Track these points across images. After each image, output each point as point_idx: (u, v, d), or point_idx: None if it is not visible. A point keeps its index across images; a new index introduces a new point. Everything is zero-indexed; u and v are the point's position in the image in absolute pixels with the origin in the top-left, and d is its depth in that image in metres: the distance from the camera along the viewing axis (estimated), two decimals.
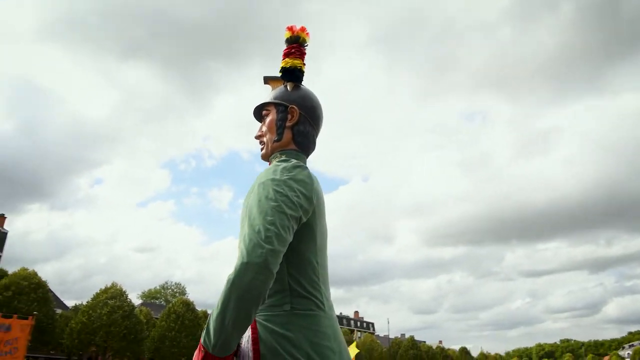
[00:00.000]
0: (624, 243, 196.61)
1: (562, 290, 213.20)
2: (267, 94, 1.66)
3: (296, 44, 1.58)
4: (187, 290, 68.93)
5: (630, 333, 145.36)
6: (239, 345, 1.24)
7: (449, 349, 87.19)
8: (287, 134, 1.52)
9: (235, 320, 1.08)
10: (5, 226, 46.93)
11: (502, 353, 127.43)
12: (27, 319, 11.64)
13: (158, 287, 70.95)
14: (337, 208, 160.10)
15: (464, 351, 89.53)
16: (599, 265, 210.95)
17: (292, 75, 1.57)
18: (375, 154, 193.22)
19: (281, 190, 1.23)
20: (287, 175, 1.28)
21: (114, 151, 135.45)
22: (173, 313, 39.12)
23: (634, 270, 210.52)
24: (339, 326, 1.34)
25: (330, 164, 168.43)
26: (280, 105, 1.55)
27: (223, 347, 1.10)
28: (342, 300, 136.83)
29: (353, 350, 11.20)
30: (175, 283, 68.60)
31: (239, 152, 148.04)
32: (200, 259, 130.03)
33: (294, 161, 1.37)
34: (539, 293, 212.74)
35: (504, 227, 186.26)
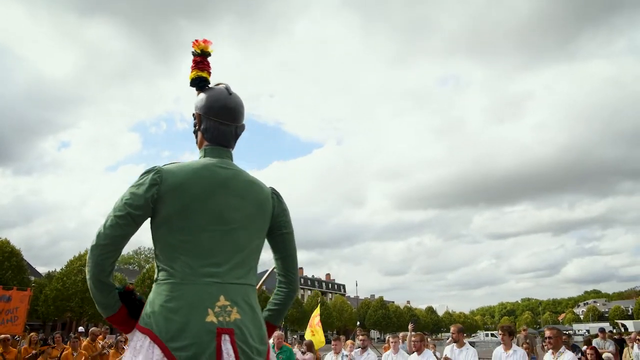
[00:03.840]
0: (586, 207, 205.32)
1: (526, 252, 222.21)
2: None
3: (201, 56, 1.93)
4: None
5: (586, 292, 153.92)
6: None
7: (416, 309, 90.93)
8: (199, 136, 1.91)
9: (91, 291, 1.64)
10: None
11: (467, 312, 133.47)
12: (25, 290, 12.45)
13: (131, 253, 71.16)
14: (311, 172, 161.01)
15: (430, 310, 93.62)
16: (561, 228, 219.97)
17: (198, 84, 1.92)
18: (350, 118, 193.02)
19: (122, 195, 1.68)
20: (133, 183, 1.70)
21: (80, 114, 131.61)
22: (148, 279, 39.78)
23: (594, 233, 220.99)
24: (197, 291, 1.59)
25: (305, 127, 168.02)
26: (193, 116, 1.95)
27: (101, 310, 1.68)
28: (314, 263, 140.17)
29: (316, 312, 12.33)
30: (148, 248, 68.84)
31: None
32: None
33: (157, 167, 1.72)
34: (503, 255, 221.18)
35: (472, 191, 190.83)
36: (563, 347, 5.68)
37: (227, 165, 1.81)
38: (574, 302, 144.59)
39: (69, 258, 36.40)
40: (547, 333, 5.81)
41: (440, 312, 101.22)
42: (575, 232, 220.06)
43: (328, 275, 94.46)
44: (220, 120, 1.87)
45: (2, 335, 9.25)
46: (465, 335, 7.19)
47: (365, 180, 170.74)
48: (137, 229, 1.69)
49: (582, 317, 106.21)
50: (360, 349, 7.66)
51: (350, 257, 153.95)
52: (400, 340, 7.61)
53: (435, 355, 7.18)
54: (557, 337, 5.73)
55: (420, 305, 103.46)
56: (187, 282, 1.61)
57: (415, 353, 6.84)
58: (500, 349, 6.24)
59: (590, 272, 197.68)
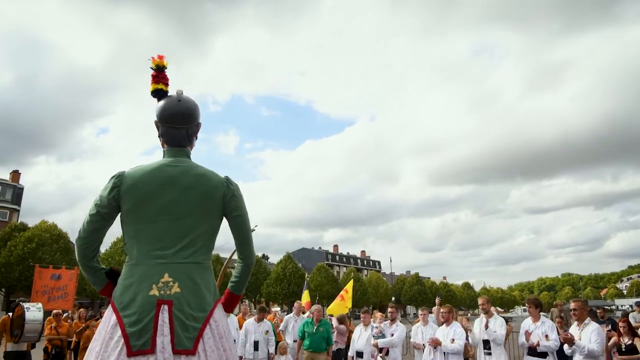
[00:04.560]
0: (630, 178, 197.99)
1: (565, 226, 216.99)
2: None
3: (157, 71, 2.27)
4: None
5: (630, 267, 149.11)
6: None
7: (452, 285, 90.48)
8: (161, 140, 2.28)
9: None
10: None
11: (505, 287, 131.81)
12: (73, 269, 13.19)
13: None
14: (344, 150, 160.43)
15: (467, 286, 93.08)
16: (604, 201, 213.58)
17: (157, 95, 2.27)
18: (381, 93, 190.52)
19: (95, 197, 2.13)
20: (103, 186, 2.13)
21: (116, 100, 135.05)
22: None
23: (639, 206, 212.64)
24: (146, 271, 1.98)
25: (337, 105, 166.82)
26: (155, 123, 2.29)
27: (92, 286, 2.16)
28: (349, 240, 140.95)
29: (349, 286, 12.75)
30: None
31: (242, 95, 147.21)
32: None
33: (120, 172, 2.13)
34: (542, 229, 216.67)
35: (509, 165, 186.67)
36: (588, 318, 5.69)
37: (178, 164, 2.16)
38: (617, 277, 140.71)
39: (112, 240, 37.95)
40: (572, 305, 5.84)
41: (477, 288, 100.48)
42: (619, 204, 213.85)
43: (363, 252, 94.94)
44: (170, 125, 2.21)
45: (55, 310, 9.92)
46: (503, 310, 7.22)
47: (398, 157, 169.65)
48: (111, 222, 2.12)
49: (625, 292, 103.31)
50: (389, 321, 7.84)
51: (386, 234, 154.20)
52: (429, 314, 7.73)
53: (463, 327, 7.28)
54: (582, 309, 5.74)
55: (457, 281, 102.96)
56: (140, 263, 2.02)
57: (444, 324, 6.97)
58: (528, 321, 6.29)
59: (635, 246, 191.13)
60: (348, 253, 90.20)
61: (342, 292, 13.06)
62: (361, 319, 8.20)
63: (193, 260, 2.06)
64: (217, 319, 2.03)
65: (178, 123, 2.22)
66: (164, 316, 1.88)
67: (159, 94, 2.27)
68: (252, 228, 2.35)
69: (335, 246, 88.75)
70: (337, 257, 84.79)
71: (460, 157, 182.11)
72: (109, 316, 1.95)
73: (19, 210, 46.93)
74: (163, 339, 1.85)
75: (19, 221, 38.57)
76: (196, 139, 2.38)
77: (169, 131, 2.23)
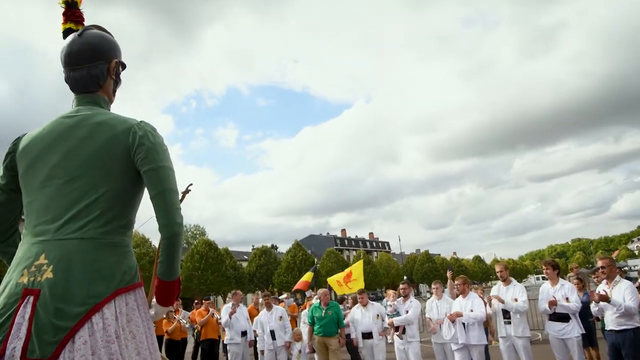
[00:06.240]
0: (633, 138, 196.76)
1: (572, 192, 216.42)
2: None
3: (68, 7, 1.88)
4: (206, 230, 71.48)
5: (639, 227, 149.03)
6: None
7: (463, 259, 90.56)
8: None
9: None
10: None
11: (516, 258, 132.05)
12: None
13: None
14: (343, 133, 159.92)
15: (478, 259, 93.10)
16: (608, 163, 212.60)
17: (67, 36, 1.83)
18: (376, 74, 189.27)
19: None
20: None
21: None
22: (197, 254, 41.11)
23: None
24: (24, 252, 1.54)
25: (333, 88, 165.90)
26: None
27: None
28: (355, 223, 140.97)
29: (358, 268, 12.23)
30: (194, 225, 70.96)
31: (238, 87, 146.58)
32: (213, 198, 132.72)
33: (22, 135, 1.76)
34: (549, 197, 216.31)
35: (510, 134, 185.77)
36: (618, 276, 5.43)
37: (74, 113, 1.68)
38: (627, 238, 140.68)
39: None
40: (600, 263, 5.55)
41: (488, 261, 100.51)
42: (623, 165, 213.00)
43: (371, 234, 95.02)
44: (70, 67, 1.76)
45: None
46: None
47: (398, 135, 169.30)
48: (14, 196, 1.73)
49: (636, 252, 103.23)
50: (402, 298, 7.63)
51: (392, 214, 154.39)
52: (442, 287, 7.52)
53: (481, 297, 7.06)
54: (611, 266, 5.48)
55: (467, 255, 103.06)
56: (23, 243, 1.59)
57: (460, 296, 6.74)
58: (547, 285, 6.06)
59: None
60: (356, 236, 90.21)
61: (342, 275, 12.23)
62: (358, 301, 8.04)
63: (82, 236, 1.51)
64: (108, 317, 1.44)
65: (78, 62, 1.73)
66: (25, 311, 1.38)
67: (68, 34, 1.82)
68: (179, 189, 1.73)
69: (343, 230, 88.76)
70: (346, 241, 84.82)
71: (460, 130, 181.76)
72: None
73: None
74: (16, 342, 1.34)
75: None
76: (116, 82, 1.86)
77: (70, 75, 1.75)
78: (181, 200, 1.96)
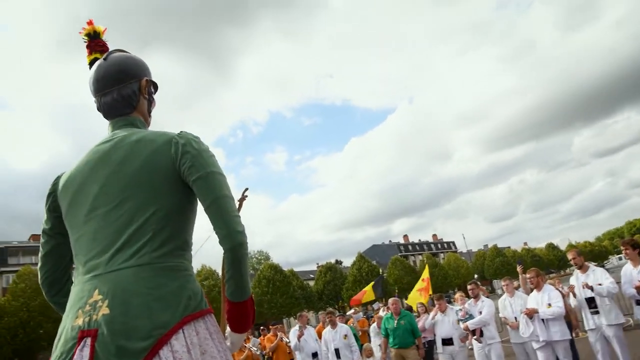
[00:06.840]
0: None
1: None
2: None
3: (91, 40, 1.79)
4: (270, 254, 72.41)
5: None
6: None
7: (535, 248, 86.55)
8: None
9: None
10: None
11: (592, 239, 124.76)
12: None
13: None
14: (390, 139, 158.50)
15: (551, 246, 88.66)
16: None
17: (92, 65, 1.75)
18: (414, 74, 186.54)
19: None
20: None
21: None
22: (264, 279, 41.69)
23: None
24: (77, 292, 1.39)
25: (373, 96, 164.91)
26: None
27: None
28: (417, 227, 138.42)
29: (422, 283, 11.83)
30: (258, 251, 72.11)
31: (279, 111, 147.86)
32: (272, 223, 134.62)
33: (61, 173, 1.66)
34: (617, 170, 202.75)
35: (564, 112, 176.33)
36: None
37: (110, 138, 1.56)
38: None
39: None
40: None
41: (563, 246, 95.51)
42: None
43: (434, 235, 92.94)
44: (100, 92, 1.67)
45: None
46: (596, 264, 6.50)
47: (446, 132, 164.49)
48: (62, 240, 1.60)
49: None
50: (472, 299, 7.25)
51: (453, 212, 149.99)
52: (512, 283, 7.09)
53: (558, 289, 6.57)
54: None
55: (539, 244, 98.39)
56: (75, 284, 1.43)
57: (535, 291, 6.31)
58: (629, 266, 5.53)
59: None
60: (420, 240, 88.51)
61: (419, 284, 12.13)
62: (436, 306, 7.69)
63: (136, 263, 1.34)
64: (178, 349, 1.26)
65: (106, 86, 1.65)
66: (82, 355, 1.22)
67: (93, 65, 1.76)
68: (234, 195, 1.55)
69: (405, 236, 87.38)
70: (410, 247, 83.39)
71: (509, 116, 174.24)
72: None
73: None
74: None
75: None
76: (150, 101, 1.76)
77: (101, 101, 1.66)
78: (239, 209, 1.83)
